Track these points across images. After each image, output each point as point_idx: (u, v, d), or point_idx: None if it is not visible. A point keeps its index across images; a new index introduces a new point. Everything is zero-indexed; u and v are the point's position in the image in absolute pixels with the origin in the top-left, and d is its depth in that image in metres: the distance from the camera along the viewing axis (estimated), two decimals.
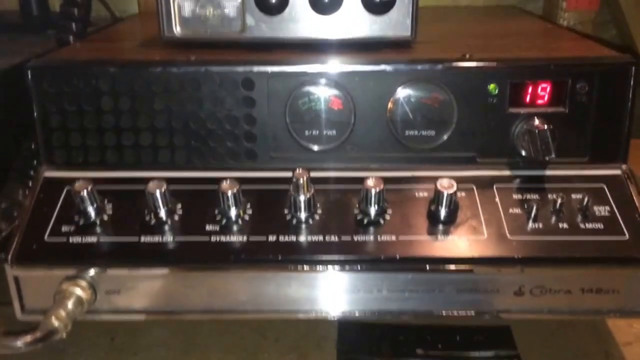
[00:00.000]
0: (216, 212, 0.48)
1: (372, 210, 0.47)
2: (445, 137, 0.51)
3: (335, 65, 0.50)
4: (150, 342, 0.52)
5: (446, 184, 0.46)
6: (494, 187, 0.50)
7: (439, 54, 0.52)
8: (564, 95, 0.50)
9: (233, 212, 0.47)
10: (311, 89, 0.50)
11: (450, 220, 0.47)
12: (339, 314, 0.48)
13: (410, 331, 0.52)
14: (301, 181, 0.46)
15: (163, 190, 0.47)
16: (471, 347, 0.51)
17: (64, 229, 0.47)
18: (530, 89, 0.50)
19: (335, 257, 0.46)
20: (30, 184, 0.53)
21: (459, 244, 0.46)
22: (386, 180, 0.47)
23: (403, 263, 0.46)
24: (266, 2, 0.53)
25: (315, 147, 0.51)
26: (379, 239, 0.46)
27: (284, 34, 0.54)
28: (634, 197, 0.49)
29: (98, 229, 0.47)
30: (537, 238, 0.46)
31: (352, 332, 0.52)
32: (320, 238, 0.47)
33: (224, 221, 0.47)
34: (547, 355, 0.50)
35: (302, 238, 0.47)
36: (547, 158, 0.48)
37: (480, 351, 0.50)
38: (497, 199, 0.49)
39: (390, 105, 0.50)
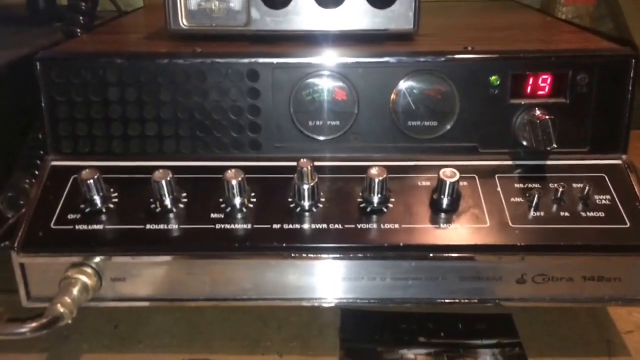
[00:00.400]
0: (221, 200, 0.48)
1: (376, 199, 0.48)
2: (447, 127, 0.51)
3: (339, 57, 0.51)
4: (154, 330, 0.52)
5: (449, 173, 0.47)
6: (496, 176, 0.50)
7: (442, 47, 0.53)
8: (564, 87, 0.50)
9: (238, 201, 0.48)
10: (315, 80, 0.51)
11: (453, 209, 0.48)
12: (342, 302, 0.48)
13: (413, 319, 0.52)
14: (305, 170, 0.47)
15: (169, 179, 0.47)
16: (473, 335, 0.51)
17: (71, 217, 0.48)
18: (531, 81, 0.51)
19: (339, 245, 0.46)
20: (36, 173, 0.54)
21: (462, 232, 0.47)
22: (389, 169, 0.48)
23: (406, 251, 0.46)
24: None
25: (319, 137, 0.52)
26: (382, 227, 0.47)
27: (288, 27, 0.55)
28: (635, 187, 0.49)
29: (104, 217, 0.48)
30: (539, 226, 0.47)
31: (354, 320, 0.53)
32: (324, 226, 0.47)
33: (228, 210, 0.48)
34: (549, 343, 0.50)
35: (306, 226, 0.47)
36: (548, 148, 0.48)
37: (483, 339, 0.50)
38: (499, 189, 0.49)
39: (393, 96, 0.51)
